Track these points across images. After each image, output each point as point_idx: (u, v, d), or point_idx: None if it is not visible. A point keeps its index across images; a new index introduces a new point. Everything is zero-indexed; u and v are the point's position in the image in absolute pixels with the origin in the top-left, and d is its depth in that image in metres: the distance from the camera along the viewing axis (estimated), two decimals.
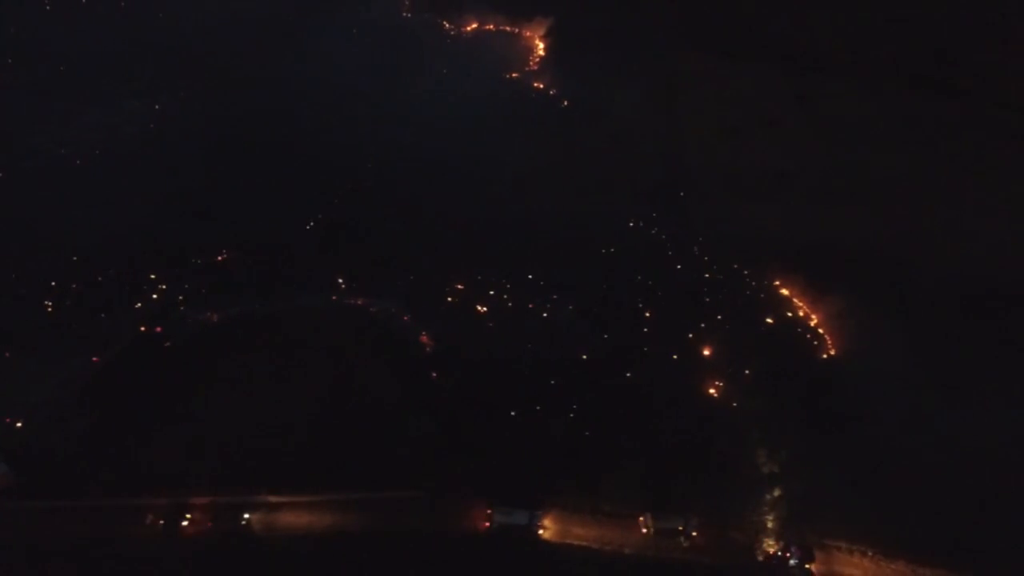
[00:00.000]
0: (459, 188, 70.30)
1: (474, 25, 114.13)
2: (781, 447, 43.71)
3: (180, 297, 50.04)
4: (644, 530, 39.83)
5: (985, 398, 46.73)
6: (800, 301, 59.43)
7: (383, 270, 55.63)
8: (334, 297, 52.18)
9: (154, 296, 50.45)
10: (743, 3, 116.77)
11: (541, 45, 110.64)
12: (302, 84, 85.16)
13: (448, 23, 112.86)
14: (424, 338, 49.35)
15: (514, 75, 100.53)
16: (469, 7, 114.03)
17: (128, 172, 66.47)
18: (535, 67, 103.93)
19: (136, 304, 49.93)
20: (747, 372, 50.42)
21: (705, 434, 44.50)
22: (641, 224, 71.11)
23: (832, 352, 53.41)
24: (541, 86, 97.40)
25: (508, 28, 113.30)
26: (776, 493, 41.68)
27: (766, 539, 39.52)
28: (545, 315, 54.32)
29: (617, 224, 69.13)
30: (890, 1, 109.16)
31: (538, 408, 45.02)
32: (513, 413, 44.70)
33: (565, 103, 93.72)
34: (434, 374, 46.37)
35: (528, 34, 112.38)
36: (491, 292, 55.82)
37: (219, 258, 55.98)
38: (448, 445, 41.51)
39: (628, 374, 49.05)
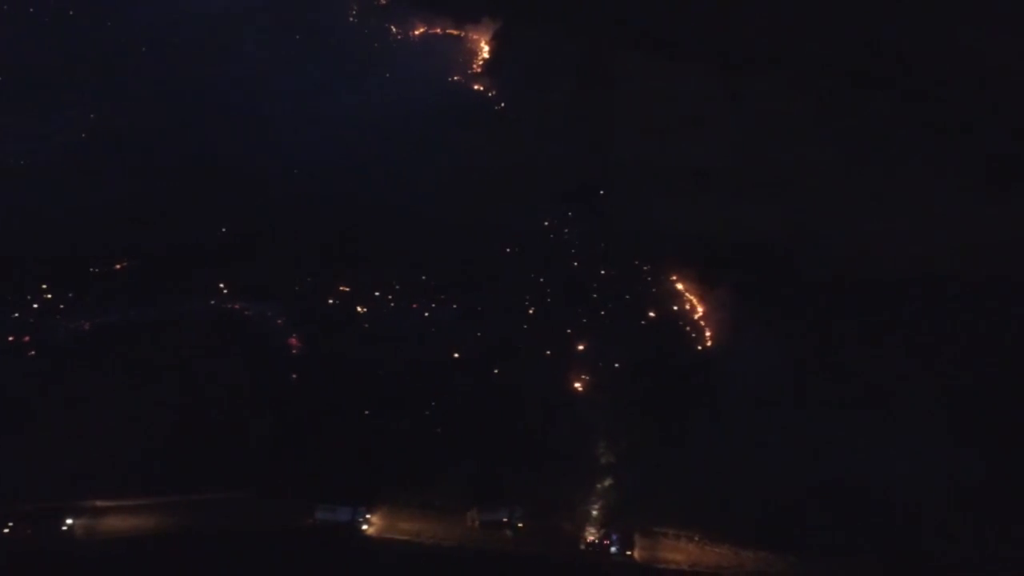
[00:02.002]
0: (372, 191, 71.20)
1: (421, 29, 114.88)
2: (625, 437, 44.33)
3: (61, 306, 51.10)
4: (470, 523, 40.53)
5: (845, 393, 46.95)
6: (691, 295, 60.08)
7: (271, 274, 56.69)
8: (212, 302, 53.15)
9: (35, 305, 51.46)
10: (685, 4, 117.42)
11: (486, 48, 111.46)
12: (237, 91, 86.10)
13: (395, 27, 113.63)
14: (293, 340, 50.24)
15: (455, 78, 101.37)
16: (417, 12, 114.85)
17: (49, 182, 67.47)
18: (477, 70, 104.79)
19: (14, 314, 51.02)
20: (616, 365, 51.13)
21: (555, 427, 45.13)
22: (555, 223, 71.90)
23: (707, 344, 54.01)
24: (480, 88, 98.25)
25: (454, 32, 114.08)
26: (609, 483, 42.30)
27: (590, 528, 40.12)
28: (426, 314, 55.18)
29: (528, 224, 69.97)
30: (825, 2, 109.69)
31: (391, 407, 45.79)
32: (366, 412, 45.46)
33: (501, 105, 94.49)
34: (293, 375, 47.29)
35: (475, 37, 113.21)
36: (376, 293, 56.72)
37: (117, 267, 57.02)
38: (290, 445, 42.26)
39: (496, 371, 49.81)
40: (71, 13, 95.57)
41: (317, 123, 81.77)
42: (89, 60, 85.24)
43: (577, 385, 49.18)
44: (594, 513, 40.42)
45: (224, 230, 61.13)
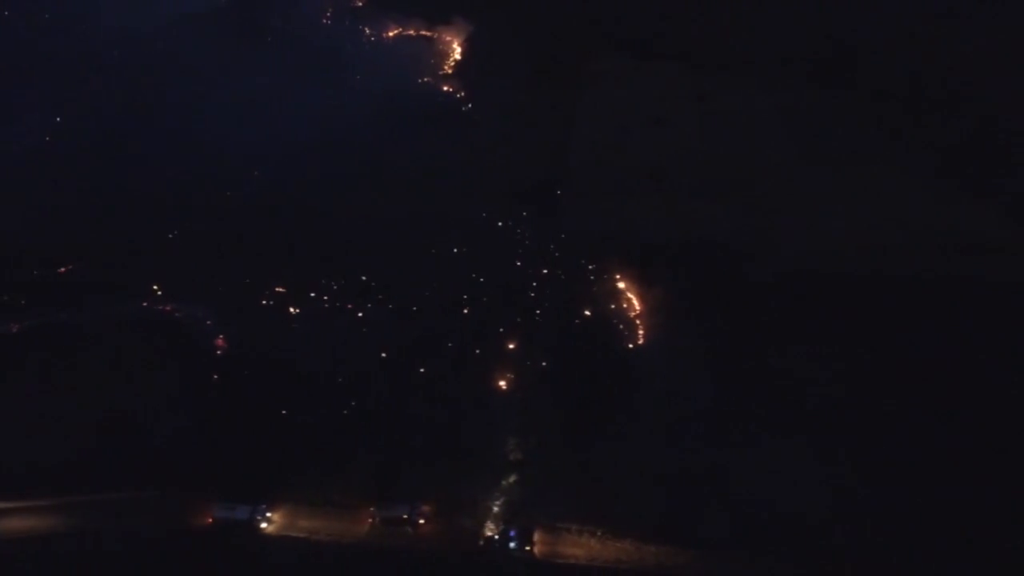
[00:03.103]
0: (321, 191, 71.65)
1: (395, 31, 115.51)
2: (536, 435, 44.53)
3: None
4: (370, 520, 40.80)
5: (764, 395, 46.86)
6: (631, 294, 60.20)
7: (207, 275, 57.14)
8: (144, 304, 53.62)
9: None
10: (656, 5, 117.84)
11: (458, 49, 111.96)
12: (193, 93, 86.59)
13: (368, 29, 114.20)
14: (219, 341, 50.62)
15: (425, 79, 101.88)
16: (391, 14, 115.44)
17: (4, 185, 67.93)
18: (448, 71, 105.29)
19: None
20: (543, 364, 51.33)
21: (467, 426, 45.30)
22: (508, 223, 72.24)
23: (636, 344, 54.14)
24: (449, 89, 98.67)
25: (427, 33, 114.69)
26: (514, 480, 42.45)
27: (490, 524, 40.28)
28: (360, 315, 55.54)
29: (478, 224, 70.33)
30: (797, 3, 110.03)
31: (306, 407, 46.12)
32: (283, 412, 45.77)
33: (468, 106, 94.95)
34: (214, 376, 47.70)
35: (447, 39, 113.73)
36: (312, 294, 57.10)
37: (61, 270, 57.56)
38: (202, 445, 42.60)
39: (419, 370, 50.12)
40: (32, 17, 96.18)
41: (272, 124, 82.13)
42: (47, 64, 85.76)
43: (500, 384, 49.44)
44: (496, 510, 40.62)
45: (169, 233, 61.62)
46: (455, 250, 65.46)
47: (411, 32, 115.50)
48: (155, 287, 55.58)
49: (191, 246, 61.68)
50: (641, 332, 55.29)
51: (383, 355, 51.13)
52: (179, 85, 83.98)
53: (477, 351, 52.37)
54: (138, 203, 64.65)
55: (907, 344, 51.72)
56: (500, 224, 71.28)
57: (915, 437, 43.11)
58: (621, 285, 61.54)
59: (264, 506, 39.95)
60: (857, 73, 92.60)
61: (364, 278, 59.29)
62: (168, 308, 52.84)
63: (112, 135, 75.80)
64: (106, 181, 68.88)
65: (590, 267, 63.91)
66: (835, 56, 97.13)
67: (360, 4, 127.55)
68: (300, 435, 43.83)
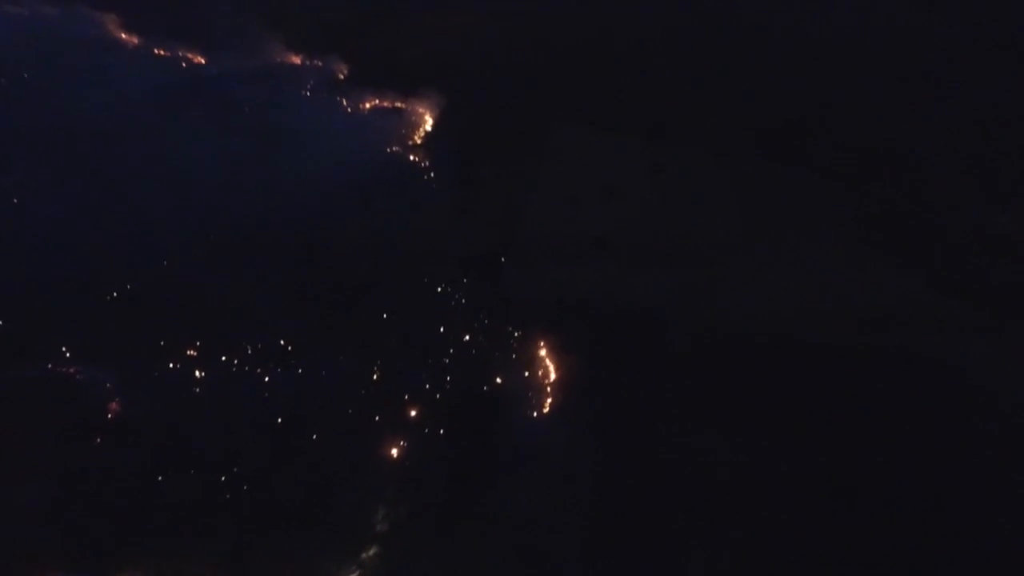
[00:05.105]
0: (271, 255, 72.49)
1: (372, 103, 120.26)
2: (406, 507, 43.14)
3: None
4: None
5: (670, 469, 45.42)
6: (550, 362, 59.72)
7: (122, 337, 57.21)
8: (48, 365, 53.56)
9: None
10: (621, 81, 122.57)
11: (430, 121, 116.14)
12: (156, 164, 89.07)
13: (346, 100, 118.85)
14: (113, 405, 50.22)
15: (394, 149, 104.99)
16: (369, 86, 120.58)
17: None
18: (418, 141, 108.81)
19: None
20: (440, 432, 50.39)
21: (342, 497, 44.05)
22: (446, 290, 72.71)
23: (541, 413, 53.24)
24: (415, 159, 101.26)
25: (401, 105, 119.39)
26: (373, 551, 40.86)
27: None
28: (266, 379, 55.15)
29: (415, 291, 70.64)
30: (753, 80, 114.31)
31: (182, 475, 45.22)
32: (158, 478, 44.76)
33: (431, 175, 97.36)
34: (97, 440, 47.14)
35: (420, 110, 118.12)
36: (223, 357, 56.94)
37: None
38: (66, 511, 41.59)
39: (311, 438, 49.25)
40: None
41: (230, 191, 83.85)
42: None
43: (392, 452, 48.47)
44: None
45: (95, 292, 62.13)
46: (383, 316, 65.50)
47: (384, 104, 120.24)
48: (63, 349, 55.71)
49: (115, 307, 61.97)
50: (549, 401, 54.39)
51: (278, 421, 50.48)
52: (127, 154, 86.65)
53: (375, 418, 51.57)
54: (67, 264, 65.47)
55: (821, 416, 50.61)
56: (437, 290, 71.59)
57: (823, 523, 41.44)
58: (542, 352, 61.10)
59: None
60: (807, 147, 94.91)
61: (282, 342, 59.26)
62: (72, 370, 52.70)
63: (49, 197, 77.52)
64: (38, 240, 69.98)
65: (515, 333, 63.51)
66: (786, 130, 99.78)
67: (341, 77, 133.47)
68: (165, 504, 42.87)
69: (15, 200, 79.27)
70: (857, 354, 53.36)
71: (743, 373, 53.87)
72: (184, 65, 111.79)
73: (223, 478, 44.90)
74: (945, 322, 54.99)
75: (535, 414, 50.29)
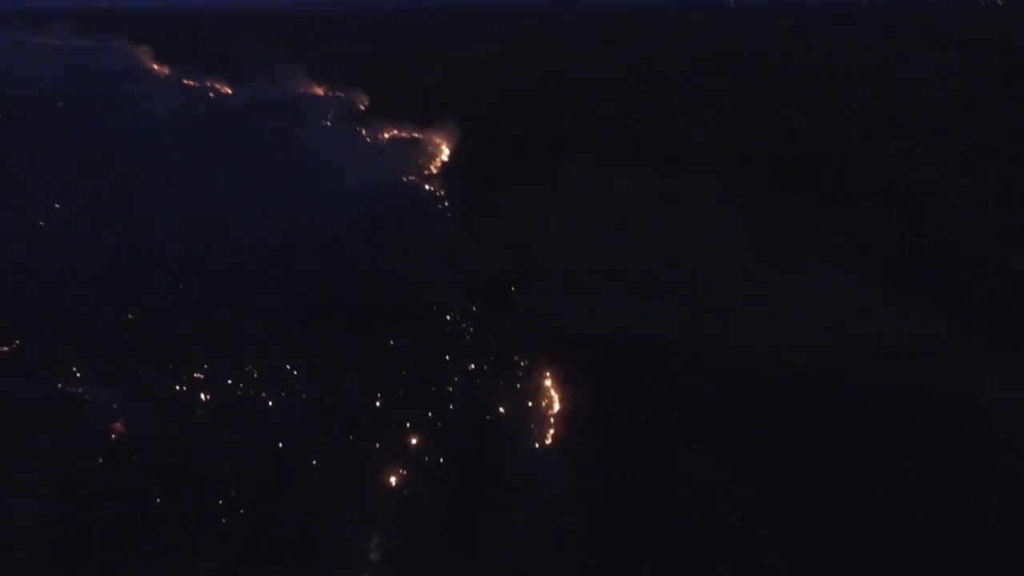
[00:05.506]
0: (283, 279, 73.62)
1: (391, 132, 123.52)
2: (407, 535, 42.13)
3: None
4: None
5: (671, 502, 43.88)
6: (554, 391, 59.01)
7: (132, 358, 58.07)
8: (59, 385, 54.35)
9: None
10: (634, 112, 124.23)
11: (446, 151, 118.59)
12: (174, 190, 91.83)
13: (365, 130, 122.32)
14: (118, 425, 50.55)
15: (410, 177, 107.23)
16: (388, 117, 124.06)
17: None
18: (434, 170, 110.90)
19: None
20: (439, 460, 49.65)
21: (332, 525, 43.33)
22: (455, 316, 72.93)
23: (540, 444, 52.28)
24: (430, 187, 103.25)
25: (419, 135, 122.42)
26: None
27: None
28: (269, 404, 55.25)
29: (422, 318, 70.93)
30: (766, 111, 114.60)
31: (179, 498, 44.98)
32: (155, 502, 44.58)
33: (446, 203, 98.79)
34: (99, 460, 47.35)
35: (437, 141, 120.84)
36: (228, 380, 57.30)
37: (5, 348, 59.42)
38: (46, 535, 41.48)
39: (314, 461, 48.86)
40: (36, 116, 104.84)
41: (246, 216, 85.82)
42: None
43: (390, 479, 47.87)
44: None
45: (119, 315, 63.42)
46: (390, 341, 65.57)
47: (401, 134, 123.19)
48: (75, 368, 56.61)
49: (129, 329, 63.15)
50: (552, 432, 53.57)
51: (279, 444, 50.30)
52: (149, 178, 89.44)
53: (376, 444, 51.13)
54: (85, 285, 67.20)
55: (832, 454, 49.05)
56: (445, 317, 71.91)
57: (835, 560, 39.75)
58: (548, 382, 60.47)
59: None
60: (820, 178, 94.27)
61: (288, 366, 59.56)
62: (80, 390, 53.39)
63: (73, 220, 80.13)
64: (61, 261, 72.13)
65: (521, 363, 63.12)
66: (800, 161, 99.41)
67: (361, 108, 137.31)
68: (160, 526, 42.57)
69: (41, 223, 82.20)
70: (872, 390, 51.84)
71: (752, 407, 52.57)
72: (211, 95, 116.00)
73: (220, 501, 44.74)
74: (966, 359, 53.34)
75: (537, 445, 49.50)
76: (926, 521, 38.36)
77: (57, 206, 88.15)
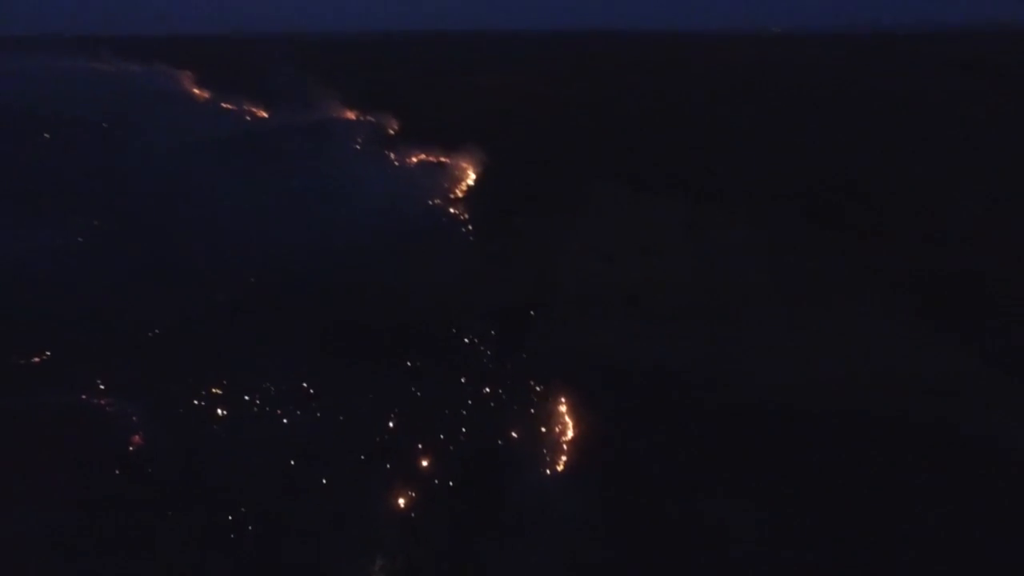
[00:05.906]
0: (305, 299, 74.94)
1: (419, 156, 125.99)
2: (411, 558, 41.73)
3: None
4: None
5: (683, 540, 42.87)
6: (570, 417, 58.54)
7: (156, 372, 59.37)
8: (83, 396, 55.70)
9: None
10: (659, 140, 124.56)
11: (472, 175, 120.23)
12: (207, 208, 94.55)
13: (393, 154, 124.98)
14: (136, 438, 51.42)
15: (436, 201, 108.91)
16: (416, 141, 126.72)
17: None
18: (459, 194, 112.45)
19: None
20: (450, 484, 49.36)
21: (342, 543, 43.14)
22: (475, 340, 73.14)
23: (557, 470, 51.70)
24: (455, 211, 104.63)
25: (446, 160, 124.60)
26: None
27: None
28: (285, 421, 55.79)
29: (441, 341, 71.35)
30: (794, 141, 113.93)
31: (186, 513, 45.32)
32: (164, 517, 44.99)
33: (470, 227, 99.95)
34: (116, 471, 48.11)
35: (463, 165, 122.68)
36: (245, 397, 58.09)
37: (36, 359, 61.42)
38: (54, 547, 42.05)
39: (324, 480, 49.00)
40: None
41: (274, 235, 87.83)
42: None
43: (399, 501, 47.74)
44: None
45: (146, 330, 65.07)
46: (408, 363, 65.94)
47: (429, 158, 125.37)
48: (99, 381, 58.06)
49: (154, 344, 64.72)
50: (564, 459, 53.01)
51: (290, 463, 50.67)
52: (182, 197, 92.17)
53: (387, 466, 51.18)
54: (116, 299, 69.15)
55: (850, 491, 47.55)
56: (464, 340, 72.12)
57: None
58: (562, 408, 60.00)
59: None
60: (847, 209, 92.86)
61: (304, 384, 60.23)
62: (102, 401, 54.67)
63: (112, 236, 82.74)
64: (94, 276, 74.40)
65: (537, 388, 62.78)
66: (827, 191, 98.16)
67: (390, 132, 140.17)
68: (169, 539, 42.99)
69: (79, 239, 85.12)
70: (895, 427, 50.25)
71: (769, 440, 51.35)
72: (248, 118, 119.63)
73: (229, 517, 45.12)
74: (993, 398, 51.52)
75: (548, 471, 48.98)
76: (947, 561, 36.77)
77: (96, 223, 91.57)
